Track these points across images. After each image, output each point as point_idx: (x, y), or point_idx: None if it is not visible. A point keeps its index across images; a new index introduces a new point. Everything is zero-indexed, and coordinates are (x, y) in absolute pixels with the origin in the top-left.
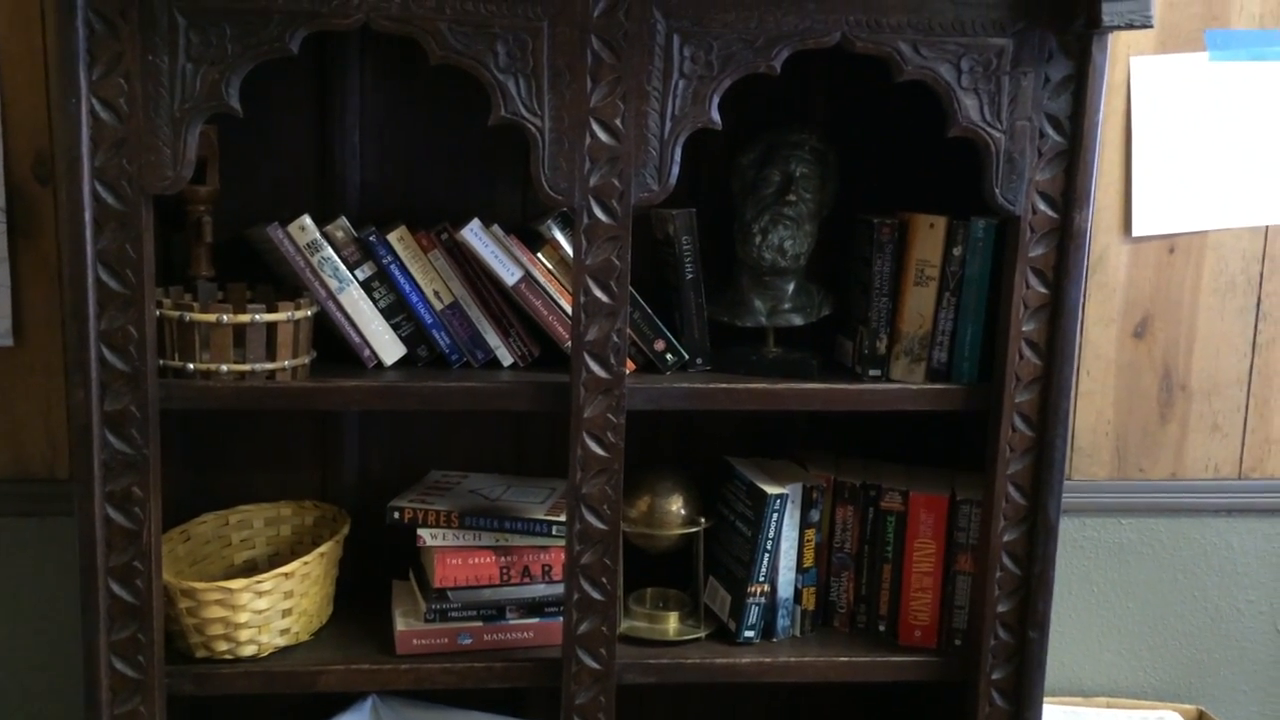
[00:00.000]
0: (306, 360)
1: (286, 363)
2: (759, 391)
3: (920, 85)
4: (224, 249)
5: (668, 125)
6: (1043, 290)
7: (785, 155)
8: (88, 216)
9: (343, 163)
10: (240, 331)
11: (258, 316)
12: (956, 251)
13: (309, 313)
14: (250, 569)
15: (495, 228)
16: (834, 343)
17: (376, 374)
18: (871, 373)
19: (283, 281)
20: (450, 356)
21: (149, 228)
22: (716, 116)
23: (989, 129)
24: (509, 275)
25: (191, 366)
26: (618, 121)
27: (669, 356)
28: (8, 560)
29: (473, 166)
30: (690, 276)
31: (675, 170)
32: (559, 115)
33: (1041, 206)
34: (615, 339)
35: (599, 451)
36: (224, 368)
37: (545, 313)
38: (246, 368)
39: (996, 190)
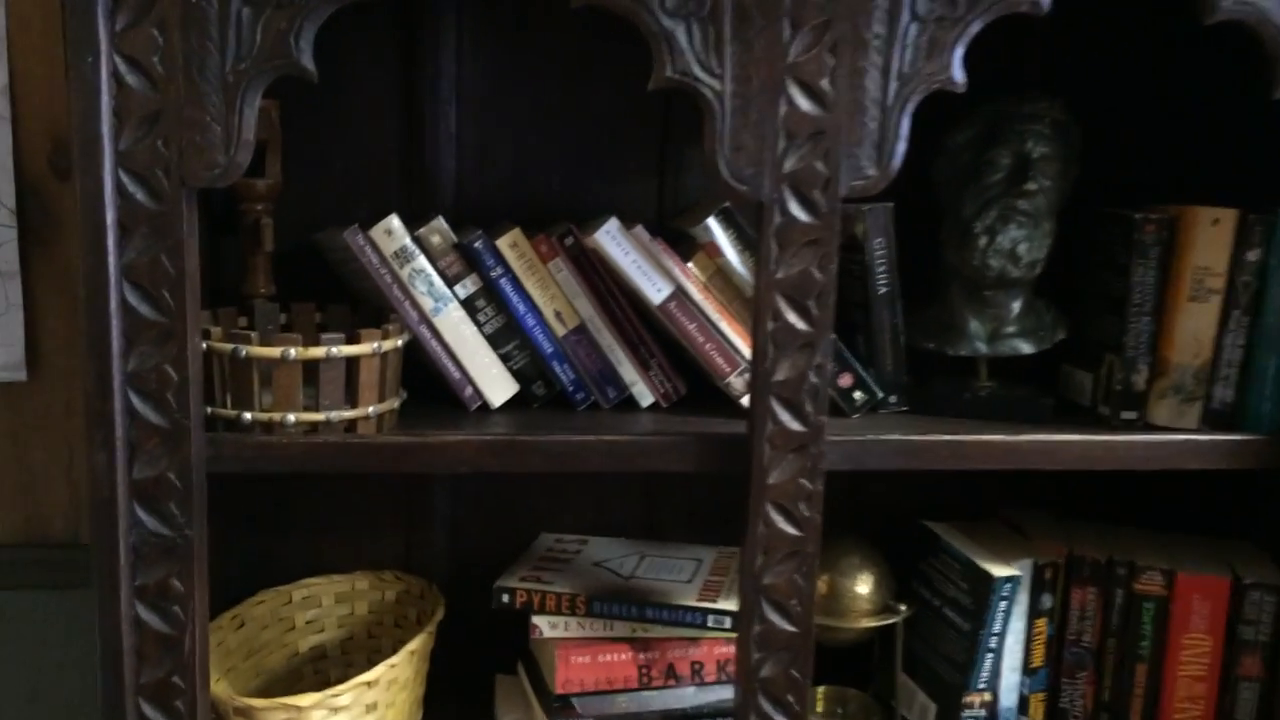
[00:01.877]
0: (396, 404)
1: (371, 409)
2: (995, 446)
3: (1218, 33)
4: (285, 259)
5: (892, 87)
6: None
7: (1018, 131)
8: (110, 218)
9: (434, 148)
10: (312, 370)
11: (336, 350)
12: (1252, 256)
13: (399, 342)
14: (318, 657)
15: (639, 230)
16: (1058, 375)
17: (483, 421)
18: (1125, 415)
19: (361, 300)
20: (574, 395)
21: (193, 232)
22: (960, 75)
23: None
24: (655, 291)
25: (249, 416)
26: (824, 82)
27: (857, 395)
28: (23, 638)
29: (597, 152)
30: (884, 291)
31: (901, 150)
32: (745, 74)
33: None
34: (813, 378)
35: (788, 529)
36: (291, 417)
37: (700, 339)
38: (320, 417)
39: None
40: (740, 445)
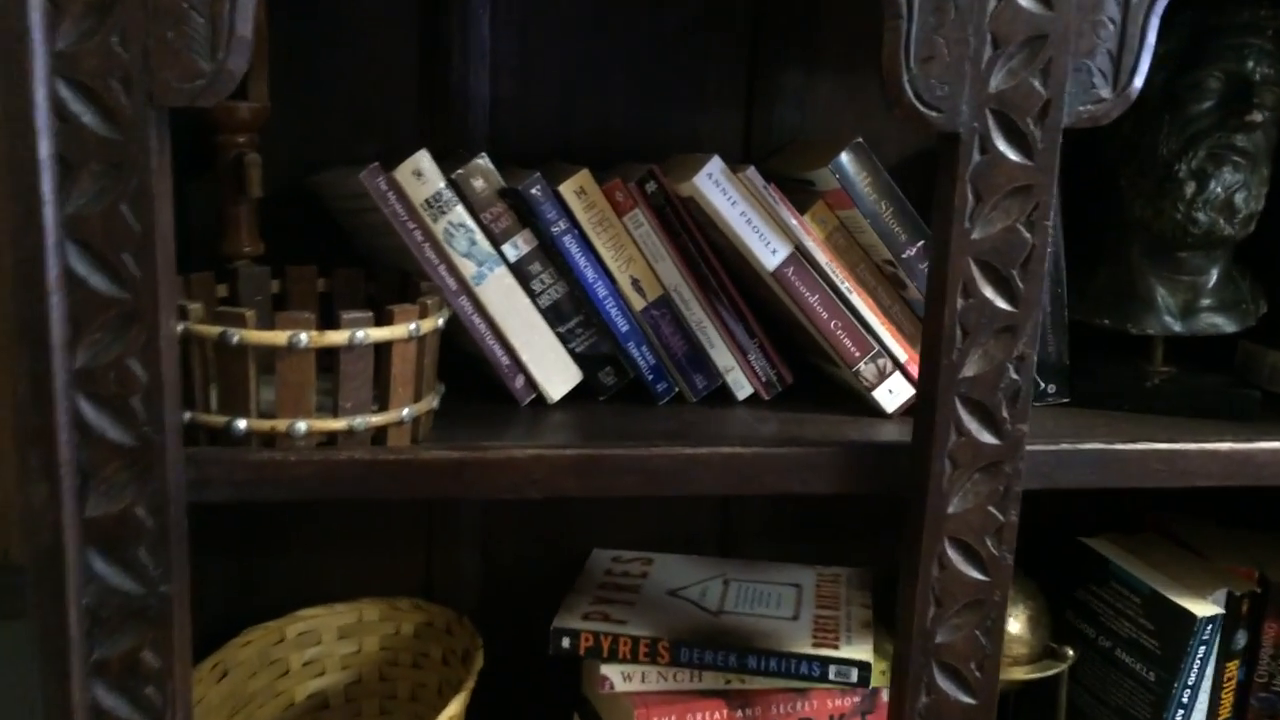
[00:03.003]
0: (435, 402)
1: (406, 411)
2: (1224, 458)
3: None
4: (270, 209)
5: None
6: None
7: (1232, 47)
8: (45, 150)
9: (463, 66)
10: (330, 360)
11: (362, 334)
12: None
13: (440, 322)
14: (319, 707)
15: (751, 173)
16: (1236, 356)
17: (541, 421)
18: None
19: (373, 262)
20: (655, 385)
21: (165, 173)
22: None
23: None
24: (769, 253)
25: (243, 425)
26: None
27: None
28: None
29: (666, 74)
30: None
31: (1144, 65)
32: None
33: None
34: (1013, 374)
35: (970, 571)
36: (302, 425)
37: (824, 314)
38: (340, 424)
39: None
40: (904, 460)
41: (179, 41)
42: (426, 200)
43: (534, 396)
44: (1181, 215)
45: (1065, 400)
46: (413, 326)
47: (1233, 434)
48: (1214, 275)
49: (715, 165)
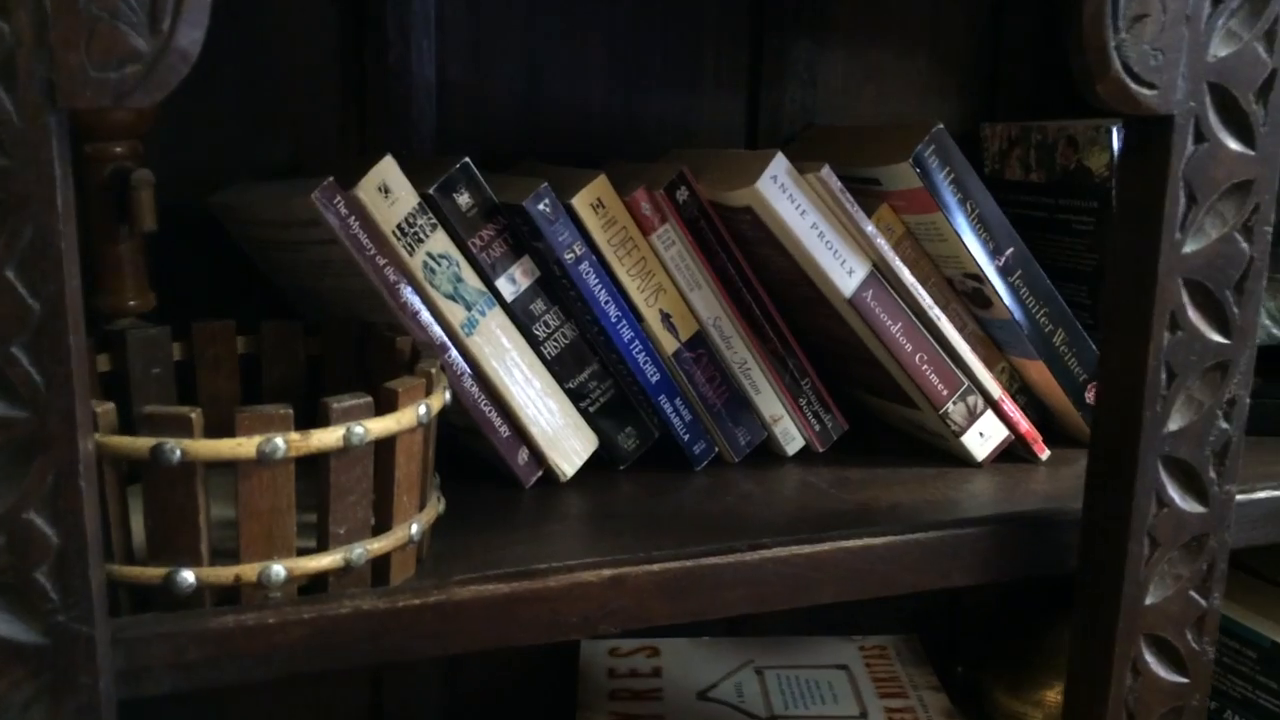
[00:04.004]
0: (440, 506)
1: (414, 528)
2: None
3: None
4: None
5: None
6: None
7: None
8: None
9: (401, 46)
10: (314, 471)
11: (361, 428)
12: None
13: (447, 395)
14: None
15: (825, 173)
16: None
17: (552, 505)
18: None
19: (304, 305)
20: (691, 447)
21: (71, 214)
22: None
23: None
24: (845, 274)
25: (191, 577)
26: None
27: None
28: None
29: (653, 53)
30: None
31: None
32: None
33: None
34: (1224, 423)
35: (1169, 676)
36: (279, 569)
37: (909, 347)
38: (334, 560)
39: None
40: (1074, 535)
41: (107, 23)
42: (399, 226)
43: (540, 474)
44: None
45: None
46: (421, 410)
47: None
48: None
49: (780, 165)
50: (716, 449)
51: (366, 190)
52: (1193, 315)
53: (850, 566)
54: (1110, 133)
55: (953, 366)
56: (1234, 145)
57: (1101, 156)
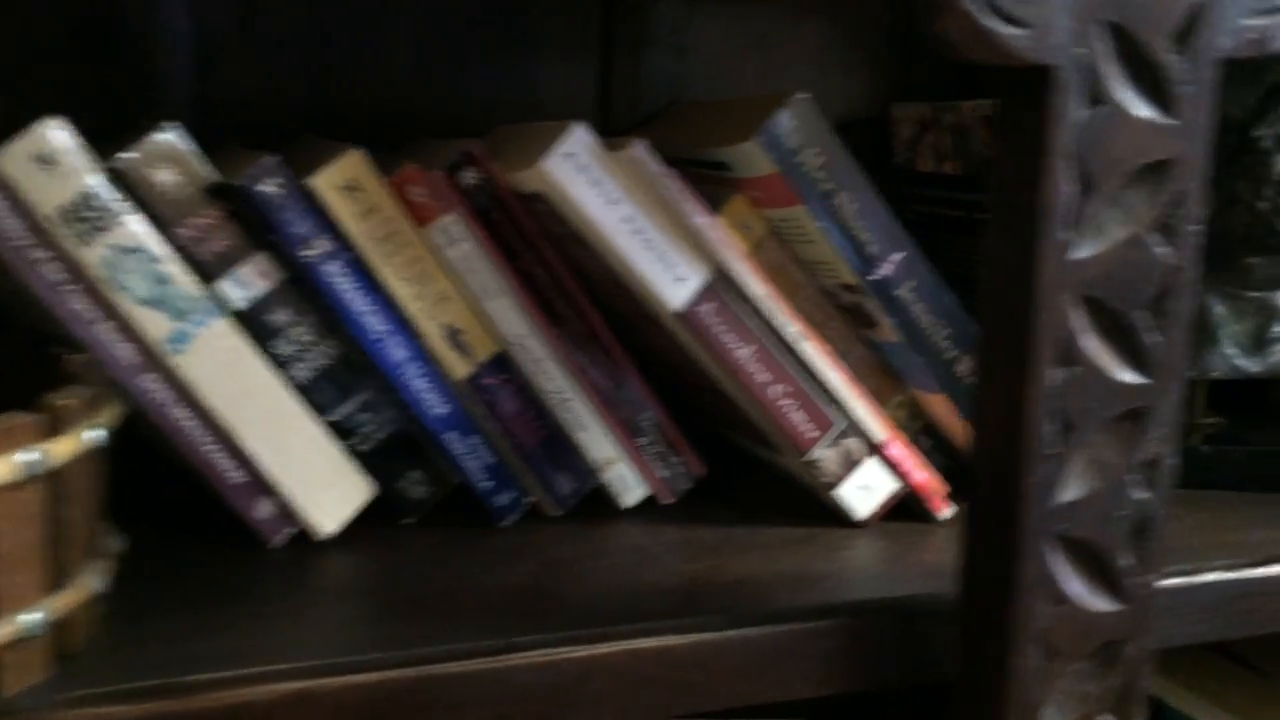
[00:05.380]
0: (96, 583)
1: (34, 617)
2: None
3: None
4: None
5: None
6: None
7: None
8: None
9: None
10: None
11: None
12: None
13: (98, 435)
14: None
15: (638, 151)
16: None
17: (305, 584)
18: None
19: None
20: (492, 498)
21: None
22: None
23: None
24: (672, 282)
25: None
26: None
27: None
28: None
29: (479, 11)
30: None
31: None
32: None
33: None
34: (1141, 492)
35: None
36: None
37: (762, 377)
38: None
39: None
40: (952, 630)
41: None
42: (64, 208)
43: (290, 530)
44: (1267, 204)
45: None
46: (30, 458)
47: None
48: None
49: (578, 139)
50: (531, 499)
51: (15, 162)
52: (1091, 345)
53: (644, 675)
54: None
55: (821, 402)
56: (1143, 111)
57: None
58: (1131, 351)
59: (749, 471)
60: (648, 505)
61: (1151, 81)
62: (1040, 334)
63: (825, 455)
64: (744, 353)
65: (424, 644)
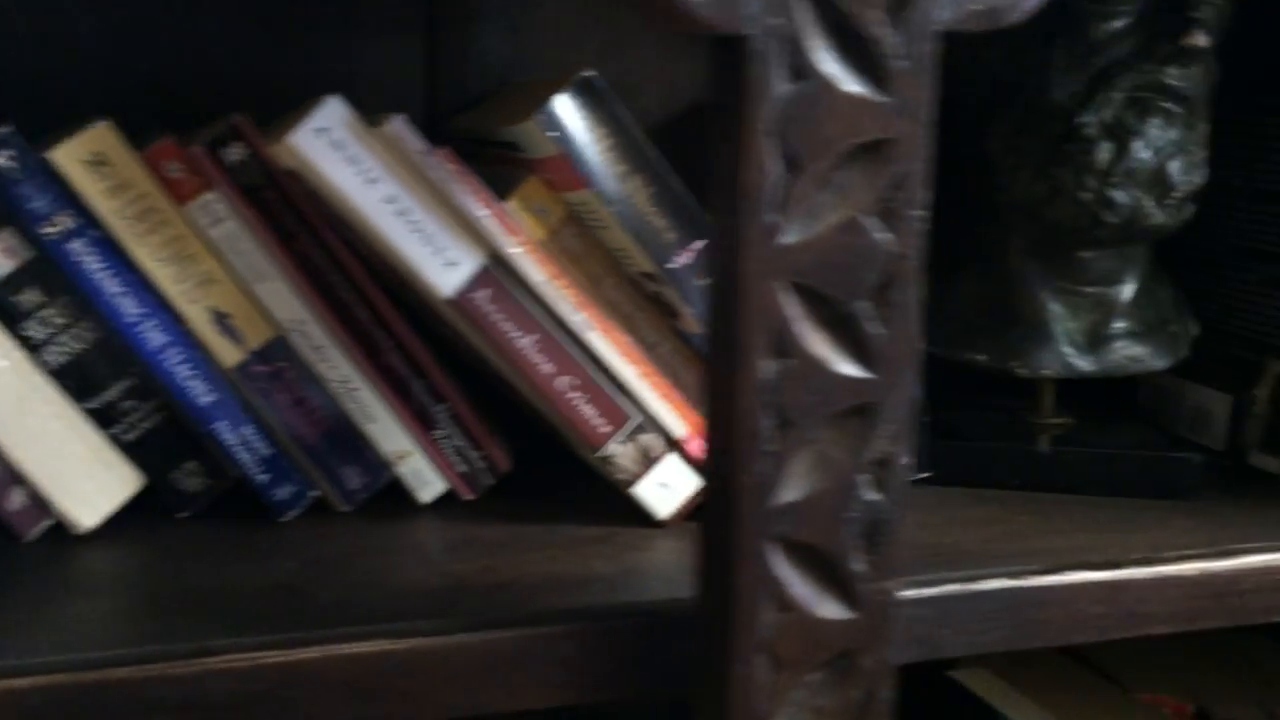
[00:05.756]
0: None
1: None
2: (1191, 583)
3: None
4: None
5: None
6: None
7: None
8: None
9: None
10: None
11: None
12: None
13: None
14: None
15: (396, 125)
16: (1139, 394)
17: (55, 581)
18: None
19: None
20: (270, 491)
21: None
22: None
23: None
24: (441, 267)
25: None
26: None
27: None
28: None
29: None
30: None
31: None
32: None
33: None
34: (871, 493)
35: None
36: None
37: (545, 368)
38: None
39: None
40: (684, 639)
41: None
42: None
43: (48, 524)
44: (1091, 195)
45: (925, 475)
46: None
47: (1188, 533)
48: (1129, 288)
49: (329, 114)
50: (316, 494)
51: None
52: (808, 335)
53: (352, 682)
54: None
55: (614, 395)
56: (853, 86)
57: None
58: (853, 343)
59: (571, 467)
60: (449, 501)
61: (863, 55)
62: (750, 322)
63: (620, 451)
64: (525, 342)
65: (134, 645)
